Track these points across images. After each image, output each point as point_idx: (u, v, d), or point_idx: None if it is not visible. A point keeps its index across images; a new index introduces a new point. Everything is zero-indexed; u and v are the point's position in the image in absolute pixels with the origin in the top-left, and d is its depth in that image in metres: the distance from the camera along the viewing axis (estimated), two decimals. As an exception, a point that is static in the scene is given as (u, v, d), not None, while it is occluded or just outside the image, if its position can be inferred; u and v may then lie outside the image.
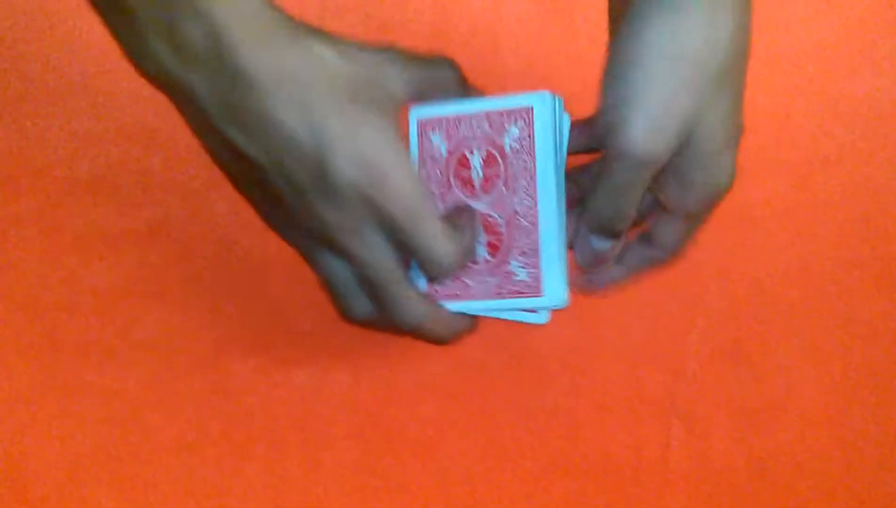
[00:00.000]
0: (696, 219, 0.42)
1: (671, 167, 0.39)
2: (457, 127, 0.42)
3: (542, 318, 0.42)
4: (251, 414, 0.56)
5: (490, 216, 0.42)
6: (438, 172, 0.42)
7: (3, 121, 0.55)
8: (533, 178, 0.41)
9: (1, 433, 0.56)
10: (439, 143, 0.42)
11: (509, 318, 0.43)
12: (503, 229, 0.41)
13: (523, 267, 0.41)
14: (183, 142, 0.55)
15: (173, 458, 0.56)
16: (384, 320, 0.41)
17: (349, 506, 0.56)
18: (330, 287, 0.40)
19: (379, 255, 0.38)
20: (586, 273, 0.44)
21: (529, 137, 0.40)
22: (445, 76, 0.41)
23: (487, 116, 0.41)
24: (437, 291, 0.42)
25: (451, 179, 0.42)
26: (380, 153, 0.37)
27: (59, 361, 0.56)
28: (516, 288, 0.41)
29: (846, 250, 0.57)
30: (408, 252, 0.39)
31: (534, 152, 0.41)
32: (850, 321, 0.57)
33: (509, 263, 0.41)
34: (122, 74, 0.55)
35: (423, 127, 0.42)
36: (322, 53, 0.37)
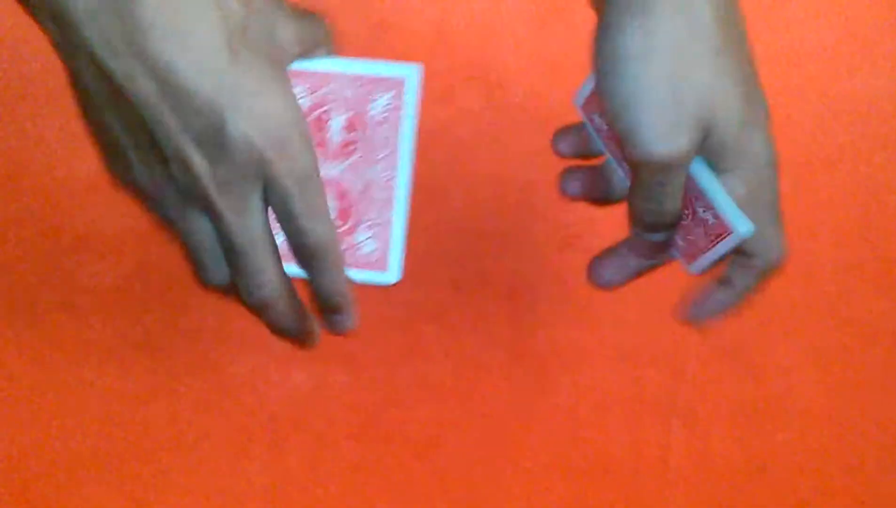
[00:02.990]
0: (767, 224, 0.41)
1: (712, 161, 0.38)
2: (323, 84, 0.40)
3: (391, 278, 0.41)
4: (251, 414, 0.56)
5: (342, 182, 0.40)
6: None
7: (3, 121, 0.55)
8: (395, 151, 0.39)
9: (1, 433, 0.56)
10: (301, 95, 0.40)
11: (357, 280, 0.41)
12: (354, 199, 0.40)
13: (372, 239, 0.40)
14: (183, 142, 0.55)
15: (173, 458, 0.56)
16: (237, 290, 0.38)
17: (349, 506, 0.56)
18: (189, 247, 0.37)
19: (252, 219, 0.36)
20: (692, 304, 0.42)
21: (397, 109, 0.39)
22: (324, 33, 0.39)
23: (357, 79, 0.39)
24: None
25: None
26: (284, 114, 0.35)
27: (59, 361, 0.56)
28: (361, 260, 0.40)
29: (846, 250, 0.57)
30: (286, 221, 0.36)
31: (399, 125, 0.39)
32: (850, 321, 0.57)
33: (355, 234, 0.40)
34: (122, 74, 0.55)
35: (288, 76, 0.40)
36: None
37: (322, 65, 0.39)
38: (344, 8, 0.59)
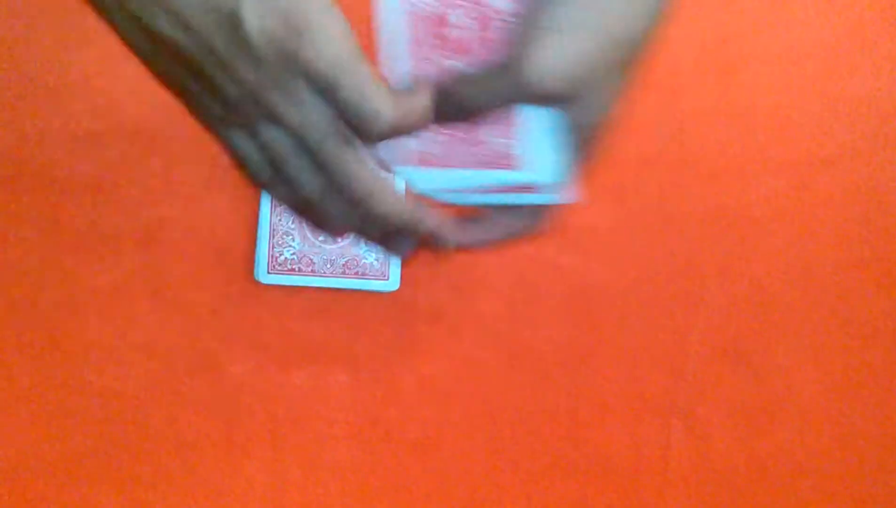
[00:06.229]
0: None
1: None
2: None
3: (391, 286, 0.44)
4: (251, 414, 0.56)
5: None
6: None
7: (3, 121, 0.55)
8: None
9: (1, 433, 0.56)
10: None
11: (361, 288, 0.43)
12: None
13: (373, 252, 0.43)
14: (182, 143, 0.55)
15: (173, 458, 0.56)
16: (333, 196, 0.37)
17: (349, 506, 0.56)
18: (259, 168, 0.36)
19: (311, 112, 0.35)
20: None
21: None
22: None
23: None
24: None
25: None
26: (298, 1, 0.33)
27: (59, 361, 0.56)
28: (365, 271, 0.43)
29: (846, 250, 0.57)
30: (342, 110, 0.35)
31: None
32: (850, 321, 0.57)
33: (360, 247, 0.43)
34: (122, 74, 0.55)
35: None
36: None
37: None
38: (344, 9, 0.59)
